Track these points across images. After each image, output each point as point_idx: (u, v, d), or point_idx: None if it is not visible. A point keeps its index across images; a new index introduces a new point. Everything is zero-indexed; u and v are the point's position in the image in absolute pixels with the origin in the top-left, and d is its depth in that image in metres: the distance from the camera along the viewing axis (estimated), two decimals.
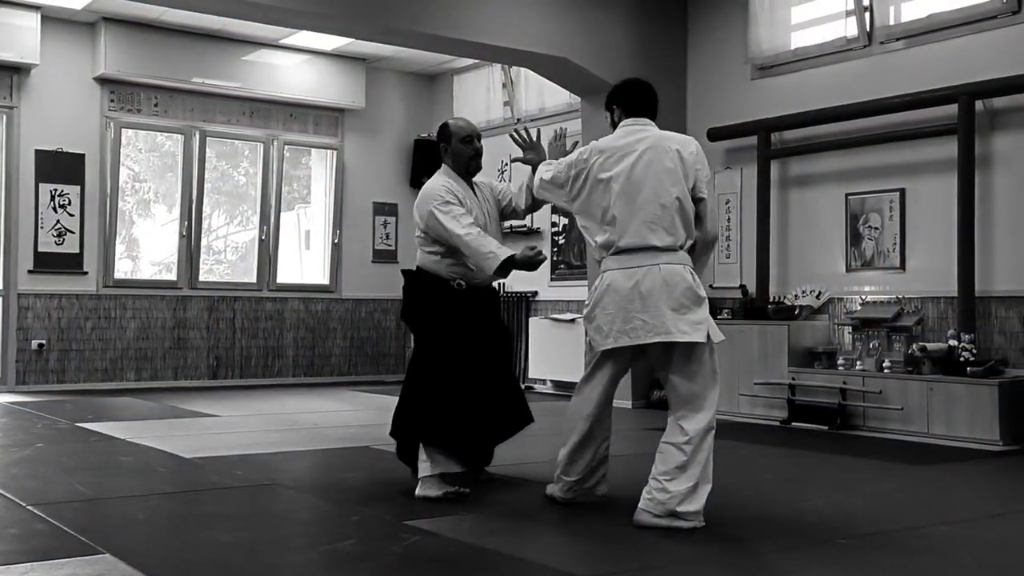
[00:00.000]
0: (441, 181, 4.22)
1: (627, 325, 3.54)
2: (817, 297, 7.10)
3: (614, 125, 3.82)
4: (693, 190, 3.65)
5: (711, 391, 3.56)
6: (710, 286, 7.98)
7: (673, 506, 3.44)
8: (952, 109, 6.37)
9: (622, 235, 3.59)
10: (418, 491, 3.98)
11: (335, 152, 10.18)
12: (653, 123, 3.77)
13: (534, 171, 4.09)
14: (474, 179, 4.38)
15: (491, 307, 4.39)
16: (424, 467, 4.01)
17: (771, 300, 7.33)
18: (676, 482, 3.45)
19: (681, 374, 3.56)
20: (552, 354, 8.74)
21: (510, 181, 9.56)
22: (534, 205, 4.39)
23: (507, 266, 3.96)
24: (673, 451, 3.49)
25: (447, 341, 4.12)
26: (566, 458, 3.83)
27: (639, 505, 3.52)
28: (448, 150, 4.30)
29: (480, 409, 4.12)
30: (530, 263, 3.94)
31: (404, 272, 4.41)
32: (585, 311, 3.76)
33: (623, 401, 7.53)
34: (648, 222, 3.56)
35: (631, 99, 3.79)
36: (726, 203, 7.96)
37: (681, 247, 3.61)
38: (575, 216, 3.83)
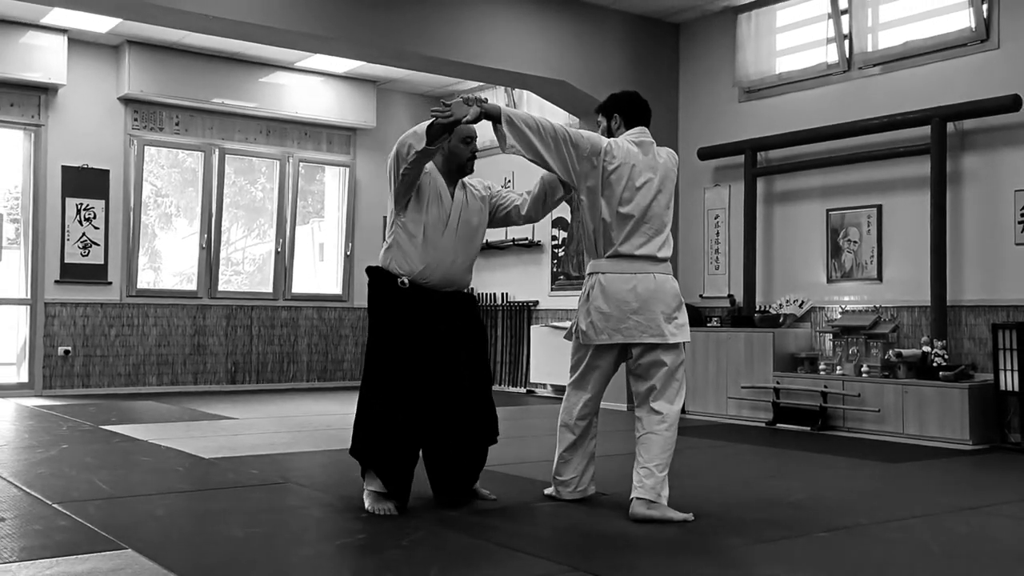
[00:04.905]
0: None
1: (621, 324, 3.64)
2: (800, 306, 7.13)
3: (610, 132, 3.82)
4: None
5: (683, 382, 3.74)
6: (700, 296, 8.02)
7: (659, 489, 3.55)
8: (925, 130, 6.41)
9: (625, 241, 3.66)
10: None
11: (347, 169, 10.22)
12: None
13: (491, 120, 3.74)
14: (470, 179, 3.89)
15: (455, 311, 3.73)
16: (366, 480, 3.72)
17: (757, 309, 7.35)
18: (662, 466, 3.58)
19: (664, 370, 3.66)
20: (552, 360, 8.74)
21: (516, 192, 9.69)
22: (541, 212, 3.95)
23: (430, 132, 3.54)
24: (655, 438, 3.61)
25: (385, 348, 3.64)
26: (560, 458, 3.88)
27: (632, 496, 3.58)
28: (444, 147, 3.78)
29: (418, 430, 3.62)
30: (434, 125, 3.57)
31: (367, 270, 3.84)
32: (579, 306, 3.72)
33: (618, 404, 7.54)
34: (651, 234, 3.68)
35: (635, 110, 3.82)
36: (715, 218, 7.99)
37: (668, 258, 3.75)
38: (582, 195, 3.66)
